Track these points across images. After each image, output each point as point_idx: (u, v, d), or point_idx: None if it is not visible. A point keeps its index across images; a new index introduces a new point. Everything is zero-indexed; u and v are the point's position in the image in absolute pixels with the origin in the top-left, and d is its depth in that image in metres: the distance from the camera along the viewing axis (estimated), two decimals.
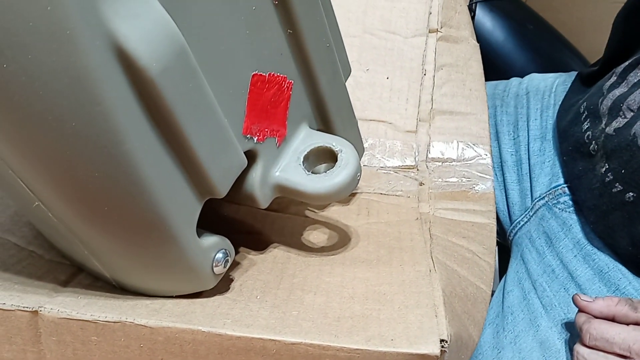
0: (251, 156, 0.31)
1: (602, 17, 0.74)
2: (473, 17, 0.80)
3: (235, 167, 0.29)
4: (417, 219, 0.40)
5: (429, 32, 0.50)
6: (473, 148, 0.46)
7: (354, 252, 0.36)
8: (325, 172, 0.32)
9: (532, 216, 0.58)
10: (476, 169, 0.45)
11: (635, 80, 0.50)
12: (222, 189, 0.28)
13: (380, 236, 0.38)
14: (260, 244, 0.37)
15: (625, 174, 0.48)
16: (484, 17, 1.03)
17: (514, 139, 0.63)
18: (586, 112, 0.54)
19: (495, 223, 0.42)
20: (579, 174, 0.53)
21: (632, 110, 0.48)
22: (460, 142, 0.47)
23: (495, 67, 0.99)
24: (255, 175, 0.32)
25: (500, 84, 0.70)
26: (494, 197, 0.43)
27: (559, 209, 0.55)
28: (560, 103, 0.61)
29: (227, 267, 0.31)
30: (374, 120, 0.48)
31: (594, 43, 0.80)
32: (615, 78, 0.53)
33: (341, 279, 0.33)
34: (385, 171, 0.45)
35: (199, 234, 0.29)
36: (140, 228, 0.27)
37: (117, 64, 0.22)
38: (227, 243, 0.31)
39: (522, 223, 0.59)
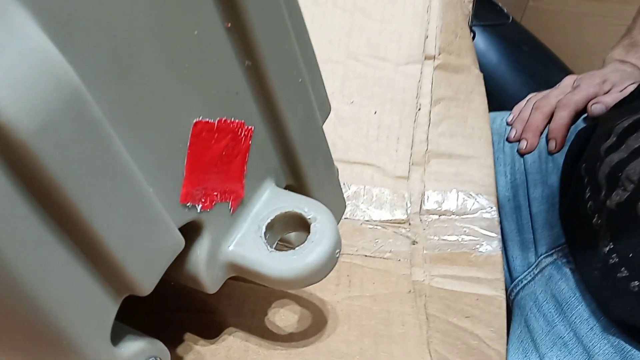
0: (194, 229, 0.23)
1: (598, 39, 0.69)
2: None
3: (166, 252, 0.21)
4: (410, 291, 0.33)
5: (425, 59, 0.43)
6: (475, 199, 0.39)
7: (330, 342, 0.29)
8: (294, 248, 0.25)
9: (537, 274, 0.50)
10: (479, 224, 0.38)
11: (636, 146, 0.42)
12: (146, 284, 0.20)
13: (364, 317, 0.30)
14: (213, 328, 0.30)
15: (632, 259, 0.40)
16: (478, 38, 1.01)
17: (511, 182, 0.55)
18: (587, 177, 0.46)
19: (505, 295, 0.34)
20: (578, 248, 0.46)
21: (632, 182, 0.41)
22: (461, 192, 0.39)
23: (488, 90, 0.95)
24: (201, 252, 0.24)
25: (498, 117, 0.62)
26: (502, 262, 0.36)
27: (570, 269, 0.47)
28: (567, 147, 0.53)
29: None
30: (358, 163, 0.40)
31: (589, 65, 0.76)
32: (615, 139, 0.45)
33: None
34: (371, 226, 0.38)
35: (120, 337, 0.22)
36: (34, 342, 0.19)
37: None
38: (157, 347, 0.23)
39: (525, 281, 0.51)
